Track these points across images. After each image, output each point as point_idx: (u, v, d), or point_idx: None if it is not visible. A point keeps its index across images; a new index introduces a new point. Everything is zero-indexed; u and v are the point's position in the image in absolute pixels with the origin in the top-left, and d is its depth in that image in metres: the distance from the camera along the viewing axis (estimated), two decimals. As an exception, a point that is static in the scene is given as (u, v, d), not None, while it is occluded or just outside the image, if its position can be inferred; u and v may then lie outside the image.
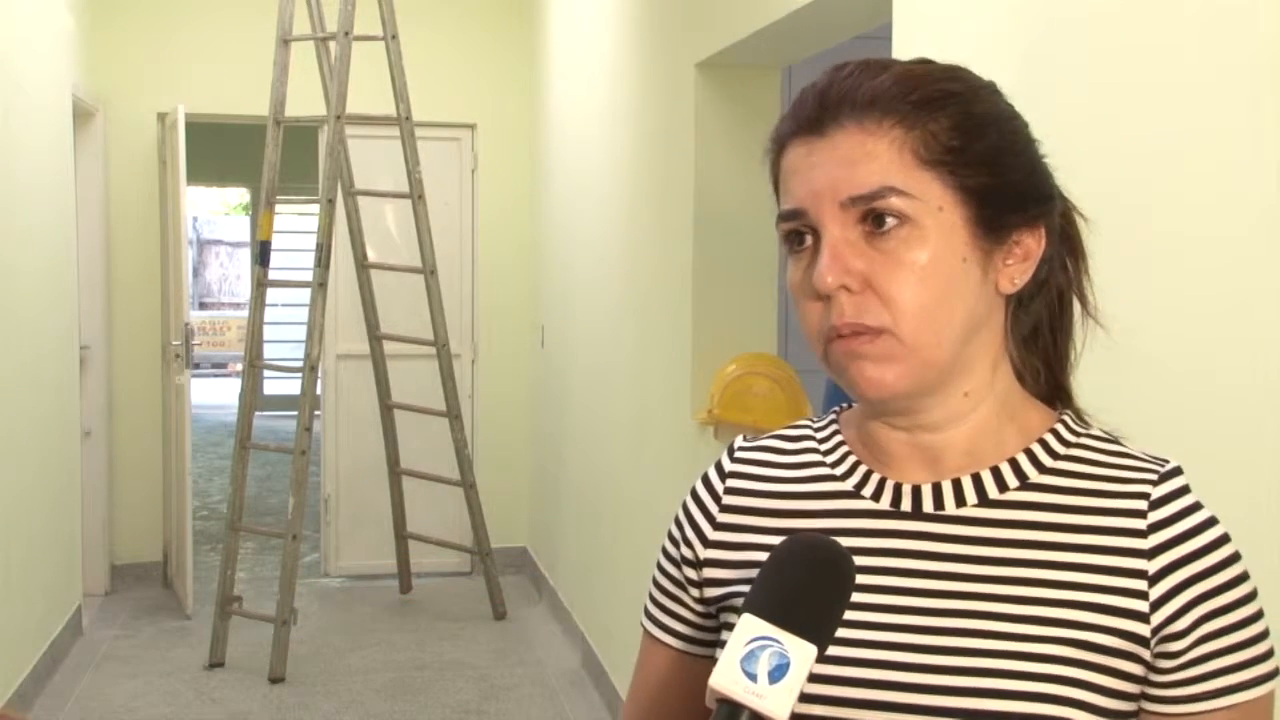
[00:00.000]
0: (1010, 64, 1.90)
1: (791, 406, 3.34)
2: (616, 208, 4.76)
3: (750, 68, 3.65)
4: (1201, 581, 0.92)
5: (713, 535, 1.07)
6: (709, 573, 1.07)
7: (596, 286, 5.10)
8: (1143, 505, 0.94)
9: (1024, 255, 0.96)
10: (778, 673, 0.83)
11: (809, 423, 1.09)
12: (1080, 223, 1.04)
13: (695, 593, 1.08)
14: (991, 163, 0.94)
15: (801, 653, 0.84)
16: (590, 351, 5.26)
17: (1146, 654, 0.92)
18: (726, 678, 0.84)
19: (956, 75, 0.97)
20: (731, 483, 1.08)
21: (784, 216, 0.96)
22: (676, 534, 1.10)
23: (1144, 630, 0.92)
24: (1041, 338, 1.03)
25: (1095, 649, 0.92)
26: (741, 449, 1.10)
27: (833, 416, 1.08)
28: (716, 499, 1.08)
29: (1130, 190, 1.66)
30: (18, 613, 4.60)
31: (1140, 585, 0.92)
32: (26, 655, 4.71)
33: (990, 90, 0.98)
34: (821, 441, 1.06)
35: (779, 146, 0.98)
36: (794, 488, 1.04)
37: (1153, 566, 0.92)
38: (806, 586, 0.88)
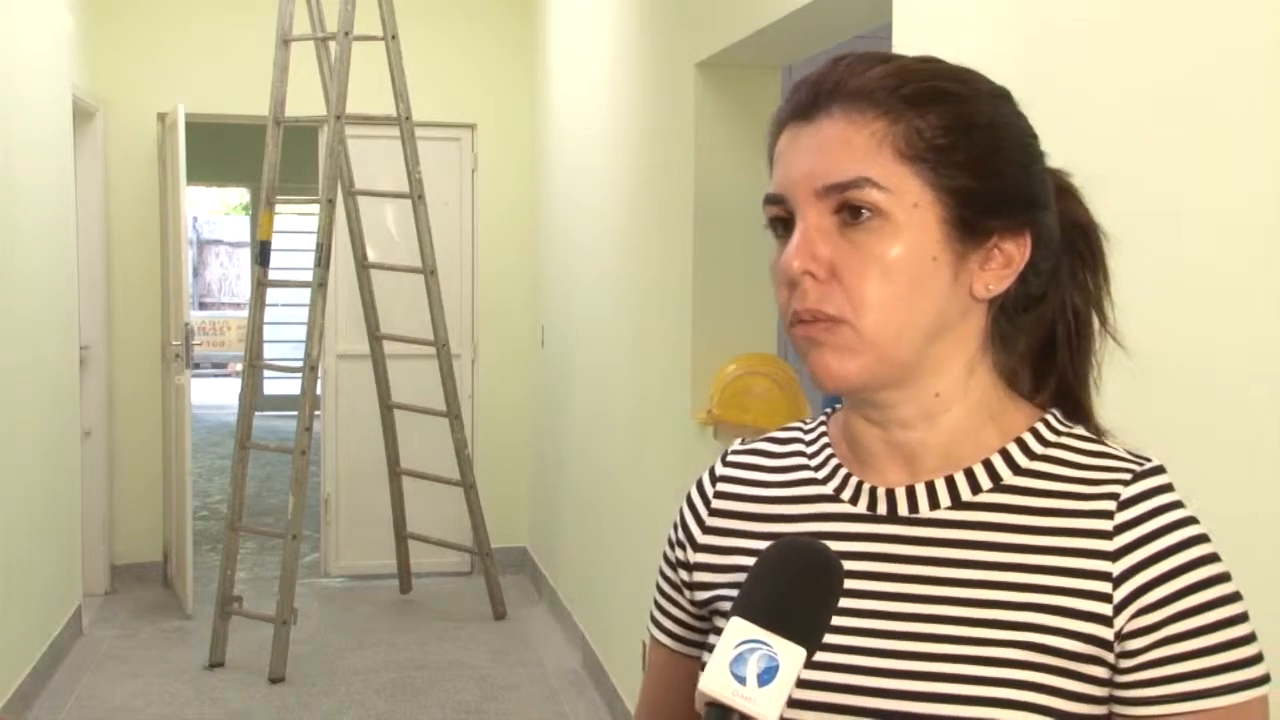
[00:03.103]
0: (1010, 63, 1.90)
1: (791, 407, 3.34)
2: (616, 208, 4.76)
3: (750, 68, 3.65)
4: (1168, 582, 0.90)
5: (702, 539, 1.08)
6: (698, 576, 1.08)
7: (596, 286, 5.10)
8: (1111, 506, 0.93)
9: (1004, 263, 0.95)
10: (767, 675, 0.83)
11: (801, 425, 1.10)
12: (1104, 241, 1.03)
13: (688, 595, 1.10)
14: (978, 167, 0.93)
15: (791, 656, 0.84)
16: (590, 351, 5.26)
17: (1110, 656, 0.91)
18: (715, 681, 0.84)
19: (959, 77, 0.96)
20: (721, 487, 1.09)
21: (766, 200, 0.97)
22: (672, 537, 1.12)
23: (1107, 634, 0.91)
24: (1058, 355, 1.02)
25: (1058, 653, 0.91)
26: (734, 453, 1.11)
27: (823, 418, 1.08)
28: (706, 503, 1.09)
29: (1129, 190, 1.65)
30: (18, 613, 4.60)
31: (1104, 588, 0.91)
32: (26, 655, 4.71)
33: (995, 96, 0.97)
34: (809, 444, 1.06)
35: (775, 132, 0.98)
36: (780, 492, 1.05)
37: (1117, 568, 0.91)
38: (795, 589, 0.87)
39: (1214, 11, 1.54)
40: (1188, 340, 1.57)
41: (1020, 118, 0.98)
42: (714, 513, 1.08)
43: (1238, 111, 1.49)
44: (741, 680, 0.83)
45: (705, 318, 3.72)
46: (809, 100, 0.95)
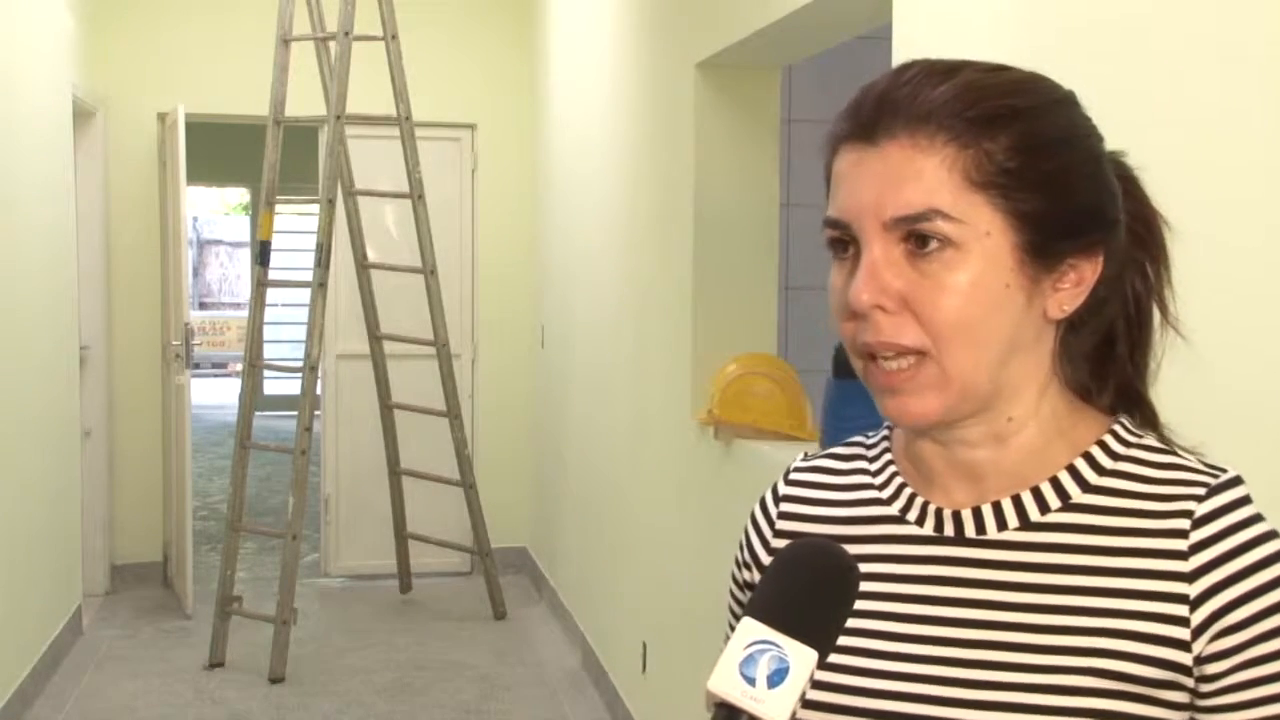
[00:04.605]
0: (1010, 63, 1.89)
1: (791, 406, 3.34)
2: (617, 208, 4.76)
3: (750, 68, 3.65)
4: (1250, 603, 0.87)
5: (767, 560, 1.06)
6: None
7: (596, 286, 5.10)
8: (1185, 525, 0.89)
9: (1077, 281, 0.92)
10: (777, 677, 0.82)
11: (863, 439, 1.07)
12: (1166, 232, 1.00)
13: None
14: (1049, 187, 0.90)
15: (801, 657, 0.83)
16: (590, 351, 5.26)
17: (1189, 681, 0.88)
18: (724, 681, 0.82)
19: (1026, 88, 0.92)
20: (785, 507, 1.07)
21: (828, 223, 0.93)
22: (739, 557, 1.10)
23: (1185, 659, 0.87)
24: (1117, 351, 0.99)
25: (1131, 679, 0.88)
26: (797, 470, 1.08)
27: (885, 433, 1.05)
28: (770, 523, 1.07)
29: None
30: (18, 613, 4.60)
31: (1181, 611, 0.88)
32: (26, 655, 4.71)
33: (1063, 105, 0.93)
34: (872, 461, 1.04)
35: (833, 146, 0.94)
36: (845, 511, 1.02)
37: (1194, 590, 0.88)
38: (807, 591, 0.86)
39: (1220, 8, 1.54)
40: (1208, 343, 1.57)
41: (1087, 122, 0.94)
42: (778, 534, 1.06)
43: (1247, 108, 1.49)
44: (751, 681, 0.82)
45: (705, 318, 3.72)
46: (871, 118, 0.91)
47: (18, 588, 4.59)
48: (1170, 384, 1.04)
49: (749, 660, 0.83)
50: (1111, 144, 1.01)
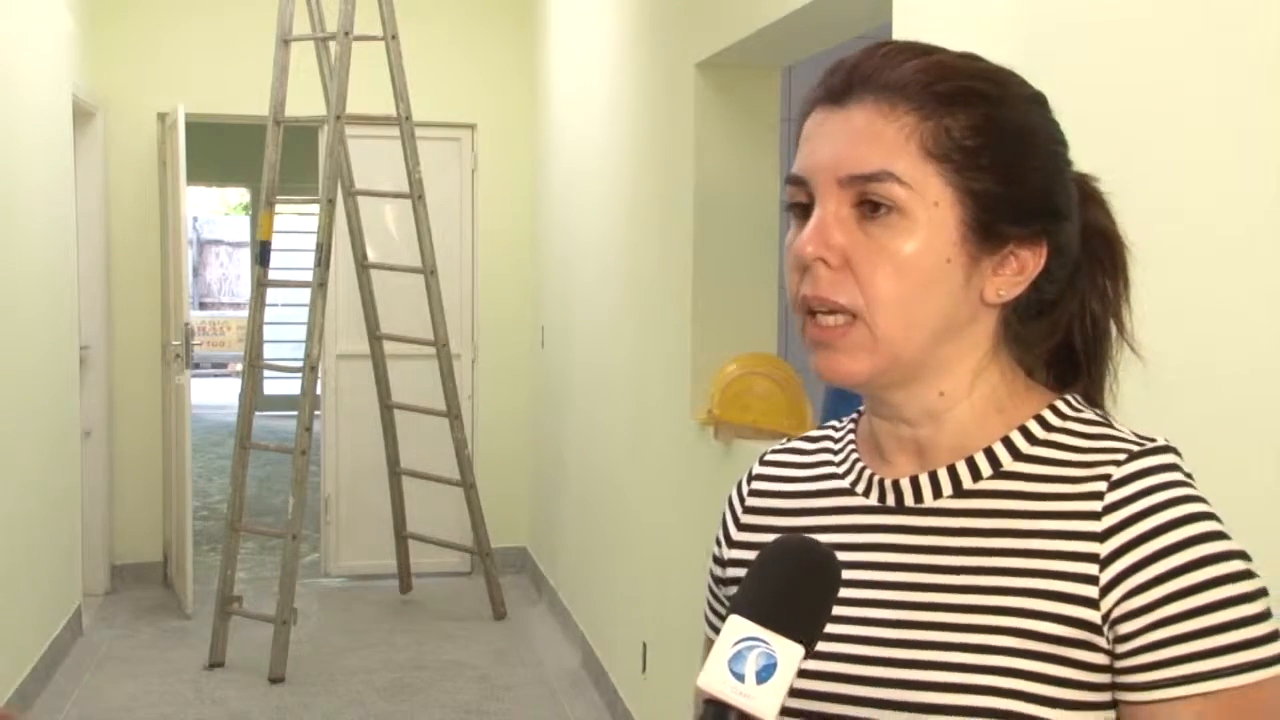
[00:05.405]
0: (1009, 64, 1.89)
1: (791, 406, 3.34)
2: (616, 207, 4.76)
3: (750, 68, 3.65)
4: (1159, 562, 0.88)
5: (736, 536, 1.10)
6: (731, 572, 1.09)
7: (596, 286, 5.10)
8: (1102, 487, 0.92)
9: (1018, 269, 0.96)
10: (765, 673, 0.84)
11: (834, 424, 1.10)
12: (1127, 251, 1.02)
13: (722, 590, 1.11)
14: (1001, 172, 0.93)
15: (789, 653, 0.84)
16: (590, 351, 5.26)
17: (1102, 641, 0.90)
18: (714, 678, 0.84)
19: (995, 78, 0.96)
20: (755, 485, 1.11)
21: (788, 180, 0.97)
22: (717, 535, 1.14)
23: (1094, 617, 0.89)
24: (1077, 362, 1.03)
25: (1045, 638, 0.90)
26: (771, 452, 1.13)
27: (855, 416, 1.09)
28: (741, 501, 1.11)
29: (1131, 190, 1.65)
30: (18, 613, 4.60)
31: (1091, 570, 0.90)
32: (26, 655, 4.71)
33: (1029, 102, 0.97)
34: (837, 442, 1.08)
35: (804, 112, 0.98)
36: (806, 487, 1.07)
37: (1105, 549, 0.90)
38: (793, 587, 0.88)
39: (1216, 10, 1.54)
40: (1190, 339, 1.57)
41: (1052, 125, 0.98)
42: (748, 510, 1.10)
43: (1241, 110, 1.49)
44: (740, 678, 0.83)
45: (705, 318, 3.72)
46: (842, 85, 0.95)
47: (18, 588, 4.59)
48: (1127, 396, 1.06)
49: (737, 657, 0.84)
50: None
